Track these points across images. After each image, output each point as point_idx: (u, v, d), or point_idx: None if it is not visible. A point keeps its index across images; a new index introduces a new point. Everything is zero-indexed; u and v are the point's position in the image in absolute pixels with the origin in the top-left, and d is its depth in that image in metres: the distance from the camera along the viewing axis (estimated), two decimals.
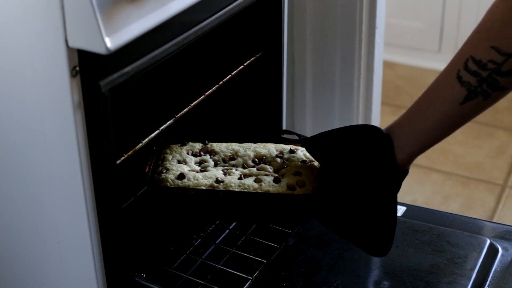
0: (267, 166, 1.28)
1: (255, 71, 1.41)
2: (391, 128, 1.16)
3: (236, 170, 1.27)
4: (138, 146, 1.20)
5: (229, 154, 1.31)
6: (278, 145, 1.32)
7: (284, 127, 1.49)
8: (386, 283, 1.27)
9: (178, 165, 1.27)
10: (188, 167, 1.27)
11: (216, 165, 1.29)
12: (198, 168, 1.28)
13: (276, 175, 1.24)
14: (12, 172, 1.04)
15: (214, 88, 1.32)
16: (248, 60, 1.38)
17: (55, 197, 1.02)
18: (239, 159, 1.30)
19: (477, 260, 1.30)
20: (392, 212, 1.19)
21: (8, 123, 0.99)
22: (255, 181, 1.22)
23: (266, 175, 1.25)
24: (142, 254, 1.25)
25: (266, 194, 1.20)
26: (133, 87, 1.28)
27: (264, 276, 1.27)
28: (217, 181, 1.22)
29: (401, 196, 1.25)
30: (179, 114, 1.27)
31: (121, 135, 1.15)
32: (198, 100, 1.30)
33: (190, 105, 1.28)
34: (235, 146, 1.32)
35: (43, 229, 1.06)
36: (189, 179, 1.23)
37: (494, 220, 2.37)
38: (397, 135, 1.15)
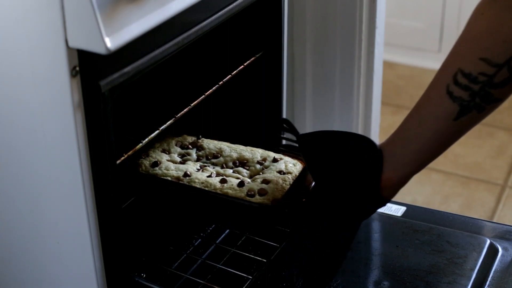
0: (244, 170, 1.28)
1: (255, 71, 1.41)
2: (382, 146, 1.12)
3: (213, 168, 1.28)
4: (138, 146, 1.20)
5: (214, 152, 1.32)
6: (265, 151, 1.32)
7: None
8: (386, 283, 1.27)
9: (160, 153, 1.30)
10: (169, 157, 1.30)
11: (198, 160, 1.31)
12: (179, 159, 1.31)
13: (249, 180, 1.25)
14: (12, 172, 1.04)
15: (214, 88, 1.32)
16: (248, 60, 1.38)
17: (55, 197, 1.02)
18: (221, 159, 1.31)
19: (477, 260, 1.30)
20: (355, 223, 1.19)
21: (8, 123, 0.99)
22: (220, 181, 1.23)
23: (238, 178, 1.25)
24: (142, 254, 1.25)
25: (222, 196, 1.20)
26: (133, 87, 1.28)
27: (264, 276, 1.27)
28: (185, 174, 1.24)
29: (401, 196, 1.25)
30: (179, 114, 1.27)
31: (121, 135, 1.16)
32: (198, 100, 1.30)
33: (190, 105, 1.28)
34: (223, 145, 1.33)
35: (43, 229, 1.06)
36: (160, 168, 1.26)
37: (494, 220, 2.37)
38: (388, 154, 1.10)
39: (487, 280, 1.26)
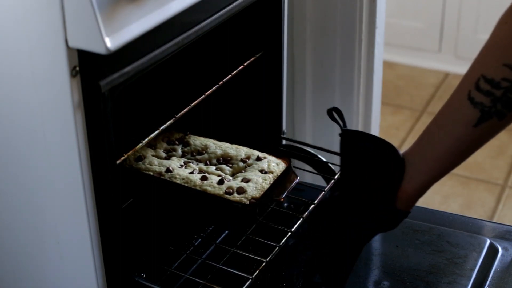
0: (226, 168, 1.29)
1: (255, 71, 1.41)
2: (404, 155, 1.11)
3: (197, 165, 1.29)
4: (138, 146, 1.20)
5: (199, 148, 1.33)
6: (250, 149, 1.33)
7: (284, 127, 1.49)
8: (386, 283, 1.27)
9: (146, 148, 1.31)
10: (154, 152, 1.32)
11: (183, 156, 1.33)
12: (164, 155, 1.32)
13: (231, 177, 1.25)
14: (12, 172, 1.04)
15: (214, 88, 1.32)
16: (248, 60, 1.38)
17: (55, 197, 1.02)
18: (206, 155, 1.32)
19: (477, 260, 1.30)
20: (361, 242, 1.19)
21: (8, 123, 0.99)
22: (201, 178, 1.24)
23: (220, 175, 1.26)
24: (142, 254, 1.25)
25: (200, 192, 1.21)
26: (133, 87, 1.28)
27: (264, 276, 1.27)
28: (167, 170, 1.25)
29: None
30: (179, 114, 1.27)
31: (121, 135, 1.16)
32: (198, 100, 1.30)
33: (190, 105, 1.28)
34: (209, 142, 1.34)
35: (43, 229, 1.06)
36: (144, 163, 1.27)
37: (494, 220, 2.37)
38: (409, 163, 1.10)
39: (487, 280, 1.26)
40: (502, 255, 1.31)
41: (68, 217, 1.03)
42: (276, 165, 1.29)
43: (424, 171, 1.09)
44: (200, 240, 1.33)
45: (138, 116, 1.34)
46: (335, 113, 1.19)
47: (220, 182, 1.23)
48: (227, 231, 1.35)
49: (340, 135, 1.18)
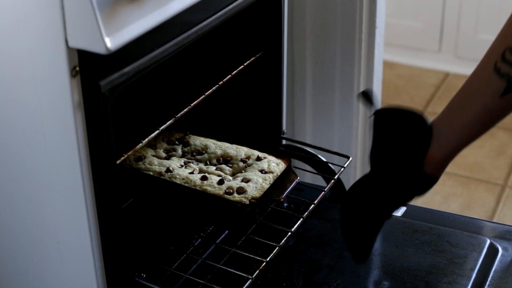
0: (226, 168, 1.29)
1: (255, 71, 1.41)
2: (433, 123, 1.13)
3: (197, 165, 1.29)
4: (138, 146, 1.20)
5: (199, 148, 1.33)
6: (250, 150, 1.33)
7: (284, 127, 1.49)
8: (386, 283, 1.27)
9: (146, 148, 1.31)
10: (154, 152, 1.32)
11: (183, 156, 1.32)
12: (164, 155, 1.32)
13: (231, 177, 1.25)
14: (12, 172, 1.04)
15: (214, 88, 1.32)
16: (248, 60, 1.38)
17: (55, 197, 1.02)
18: (206, 155, 1.32)
19: (477, 260, 1.30)
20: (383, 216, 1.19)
21: (8, 123, 0.99)
22: (201, 178, 1.24)
23: (220, 175, 1.26)
24: (142, 254, 1.25)
25: (200, 192, 1.21)
26: (133, 87, 1.28)
27: (264, 275, 1.27)
28: (167, 170, 1.25)
29: None
30: (179, 114, 1.27)
31: (121, 135, 1.16)
32: (198, 100, 1.30)
33: (190, 105, 1.28)
34: (209, 142, 1.34)
35: (43, 229, 1.06)
36: (144, 163, 1.28)
37: (494, 220, 2.37)
38: (437, 130, 1.12)
39: (487, 280, 1.26)
40: (502, 255, 1.31)
41: (68, 217, 1.03)
42: (276, 165, 1.29)
43: (451, 138, 1.11)
44: (200, 240, 1.33)
45: (138, 116, 1.34)
46: (365, 97, 1.21)
47: (220, 182, 1.23)
48: (227, 231, 1.35)
49: (373, 114, 1.19)
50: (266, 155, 1.32)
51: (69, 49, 0.89)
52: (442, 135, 1.12)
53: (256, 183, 1.23)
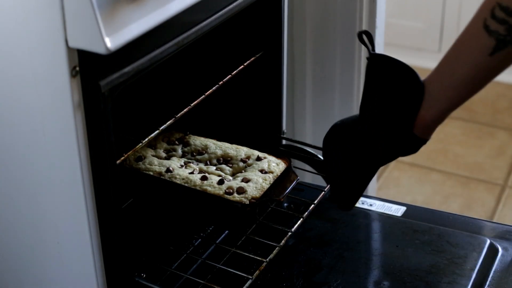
0: (226, 168, 1.29)
1: (255, 71, 1.41)
2: (424, 82, 1.11)
3: (197, 165, 1.29)
4: (138, 146, 1.20)
5: (199, 148, 1.34)
6: (250, 150, 1.33)
7: (284, 127, 1.49)
8: (386, 283, 1.27)
9: (146, 148, 1.31)
10: (154, 152, 1.32)
11: (183, 156, 1.33)
12: (164, 155, 1.32)
13: (231, 177, 1.25)
14: (12, 172, 1.04)
15: (214, 88, 1.32)
16: (248, 60, 1.38)
17: (55, 197, 1.02)
18: (206, 155, 1.32)
19: (477, 260, 1.30)
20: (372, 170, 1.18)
21: (8, 123, 0.99)
22: (201, 178, 1.24)
23: (220, 175, 1.26)
24: (142, 254, 1.25)
25: (200, 192, 1.21)
26: (133, 87, 1.28)
27: (264, 275, 1.27)
28: (167, 170, 1.25)
29: (401, 196, 1.25)
30: (179, 114, 1.27)
31: (121, 135, 1.16)
32: (198, 100, 1.30)
33: (190, 105, 1.28)
34: (209, 142, 1.34)
35: (43, 229, 1.06)
36: (144, 163, 1.28)
37: (494, 220, 2.37)
38: (427, 91, 1.10)
39: (487, 280, 1.26)
40: (502, 255, 1.32)
41: (68, 217, 1.03)
42: (276, 165, 1.29)
43: (442, 99, 1.09)
44: (200, 240, 1.33)
45: (138, 116, 1.34)
46: (365, 36, 1.18)
47: (220, 182, 1.23)
48: (227, 231, 1.35)
49: (368, 58, 1.17)
50: (266, 155, 1.32)
51: (69, 49, 0.89)
52: (433, 96, 1.10)
53: (256, 183, 1.23)
